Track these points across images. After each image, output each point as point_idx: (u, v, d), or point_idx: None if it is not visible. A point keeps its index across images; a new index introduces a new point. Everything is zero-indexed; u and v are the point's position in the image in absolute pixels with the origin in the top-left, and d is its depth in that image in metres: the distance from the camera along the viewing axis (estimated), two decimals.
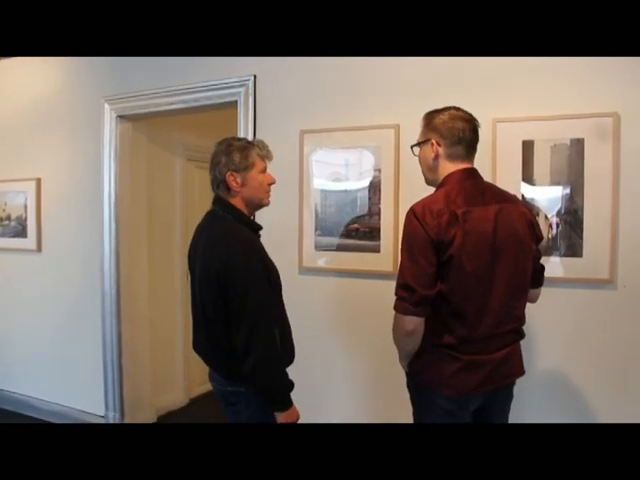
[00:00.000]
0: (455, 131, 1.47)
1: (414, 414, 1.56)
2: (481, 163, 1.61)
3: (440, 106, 1.53)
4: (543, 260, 1.63)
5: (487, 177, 1.70)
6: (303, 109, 2.46)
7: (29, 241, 3.42)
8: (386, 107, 2.27)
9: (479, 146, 1.53)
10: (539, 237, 1.57)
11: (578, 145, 1.92)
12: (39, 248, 3.40)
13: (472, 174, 1.50)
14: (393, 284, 1.44)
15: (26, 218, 3.43)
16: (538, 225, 1.58)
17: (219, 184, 1.62)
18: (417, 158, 1.59)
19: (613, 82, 1.88)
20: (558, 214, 1.97)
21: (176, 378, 3.68)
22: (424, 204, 1.42)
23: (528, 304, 1.56)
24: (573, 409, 1.97)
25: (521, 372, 1.57)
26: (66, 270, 3.29)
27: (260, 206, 1.69)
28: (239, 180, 1.59)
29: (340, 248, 2.37)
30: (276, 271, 1.64)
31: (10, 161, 3.52)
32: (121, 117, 3.04)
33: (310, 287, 2.44)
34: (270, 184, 1.67)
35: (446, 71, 2.13)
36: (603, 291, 1.92)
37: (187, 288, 1.74)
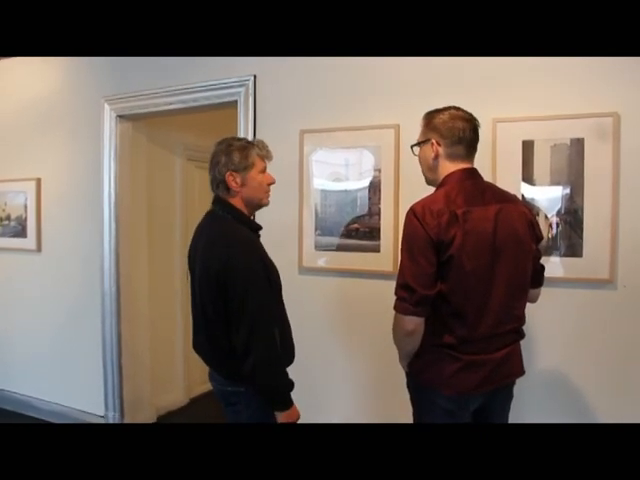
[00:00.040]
0: (455, 131, 1.47)
1: (414, 414, 1.56)
2: (481, 163, 1.61)
3: (440, 106, 1.53)
4: (543, 260, 1.63)
5: (487, 177, 1.70)
6: (303, 109, 2.46)
7: (29, 241, 3.42)
8: (386, 107, 2.27)
9: (479, 146, 1.53)
10: (539, 237, 1.57)
11: (578, 145, 1.92)
12: (39, 248, 3.40)
13: (472, 174, 1.50)
14: (393, 284, 1.44)
15: (26, 218, 3.43)
16: (538, 225, 1.58)
17: (219, 184, 1.61)
18: (417, 158, 1.59)
19: (613, 82, 1.88)
20: (558, 214, 1.96)
21: (176, 378, 3.68)
22: (424, 204, 1.42)
23: (528, 304, 1.56)
24: (573, 409, 1.97)
25: (521, 372, 1.57)
26: (66, 270, 3.29)
27: (260, 206, 1.69)
28: (239, 180, 1.59)
29: (340, 248, 2.37)
30: (276, 271, 1.64)
31: (10, 161, 3.52)
32: (121, 117, 3.04)
33: (310, 287, 2.44)
34: (270, 184, 1.67)
35: (446, 71, 2.13)
36: (603, 291, 1.92)
37: (187, 288, 1.74)
